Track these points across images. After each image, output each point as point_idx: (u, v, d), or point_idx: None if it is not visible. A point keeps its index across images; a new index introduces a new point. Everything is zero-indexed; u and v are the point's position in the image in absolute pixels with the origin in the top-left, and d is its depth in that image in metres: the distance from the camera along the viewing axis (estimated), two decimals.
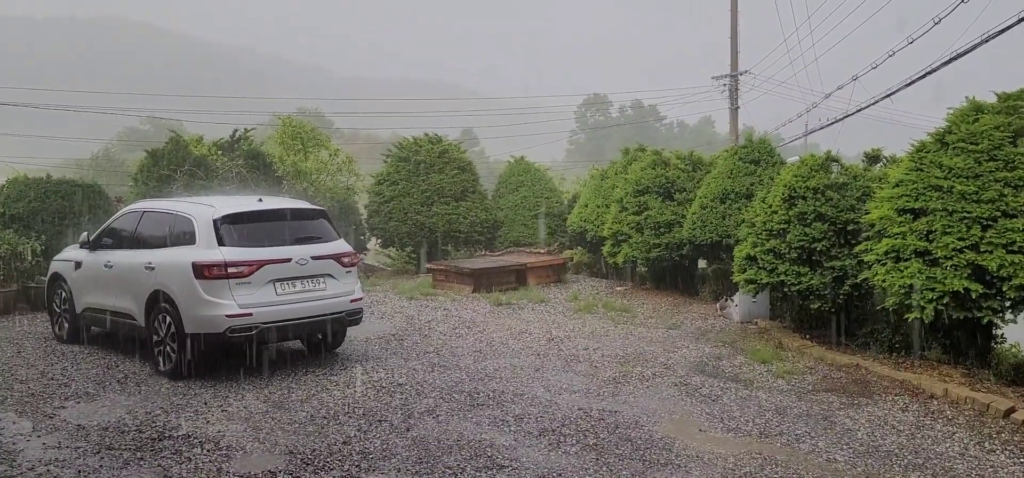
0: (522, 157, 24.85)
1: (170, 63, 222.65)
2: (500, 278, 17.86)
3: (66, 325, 11.82)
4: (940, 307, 9.02)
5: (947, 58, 14.46)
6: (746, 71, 32.27)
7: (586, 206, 20.69)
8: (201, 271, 9.41)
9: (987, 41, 13.28)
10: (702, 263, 17.74)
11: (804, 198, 11.49)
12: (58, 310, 12.03)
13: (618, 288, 18.48)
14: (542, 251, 20.98)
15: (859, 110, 20.64)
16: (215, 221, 9.75)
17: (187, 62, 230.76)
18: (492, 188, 24.82)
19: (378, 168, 23.50)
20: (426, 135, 23.28)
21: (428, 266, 19.38)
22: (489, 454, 7.18)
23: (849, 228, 11.10)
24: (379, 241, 22.70)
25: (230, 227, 9.80)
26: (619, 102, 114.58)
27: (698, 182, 16.81)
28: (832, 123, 22.91)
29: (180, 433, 7.68)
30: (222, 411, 8.39)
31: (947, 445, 7.59)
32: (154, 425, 7.90)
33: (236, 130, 21.28)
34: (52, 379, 9.69)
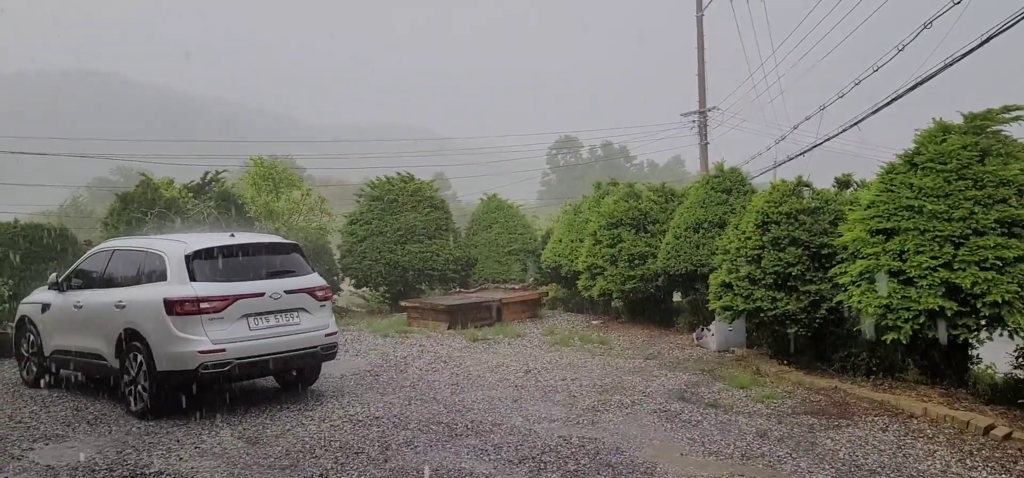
0: (495, 194, 24.85)
1: (140, 113, 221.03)
2: (475, 314, 17.77)
3: (35, 369, 11.57)
4: (916, 326, 9.06)
5: (912, 83, 14.66)
6: (714, 107, 32.56)
7: (560, 241, 20.69)
8: (173, 307, 9.25)
9: (950, 65, 13.48)
10: (677, 296, 17.77)
11: (777, 223, 11.54)
12: (26, 354, 11.78)
13: (594, 321, 18.44)
14: (517, 287, 20.91)
15: (828, 139, 20.84)
16: (187, 257, 9.61)
17: (157, 113, 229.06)
18: (465, 229, 24.77)
19: (351, 209, 23.39)
20: (399, 174, 23.23)
21: (403, 303, 19.24)
22: None
23: (823, 252, 11.15)
24: (352, 281, 22.52)
25: (202, 262, 9.67)
26: (589, 143, 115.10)
27: (671, 213, 16.87)
28: (801, 153, 23.10)
29: (152, 471, 7.50)
30: (195, 448, 8.22)
31: (929, 463, 7.58)
32: (125, 463, 7.72)
33: (207, 172, 21.12)
34: (20, 422, 9.46)
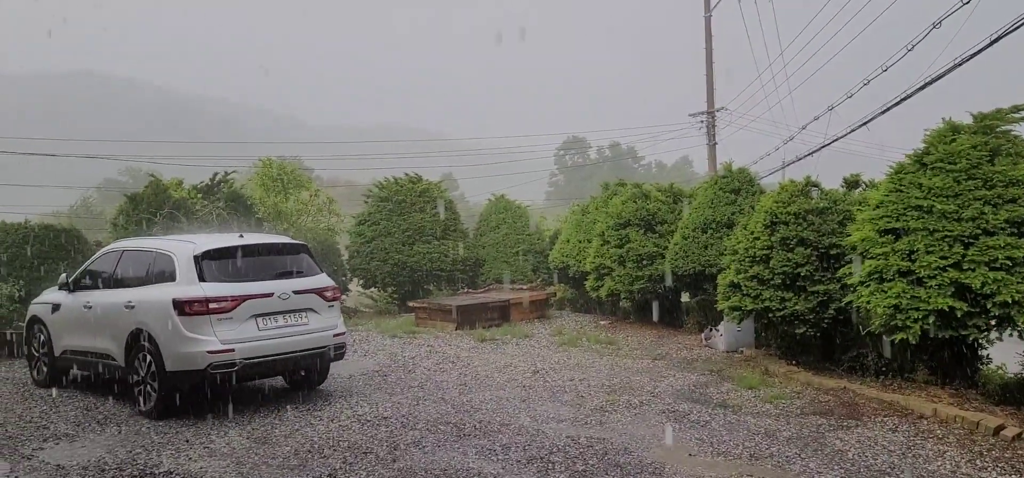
0: (502, 195, 24.86)
1: (140, 113, 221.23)
2: (483, 314, 17.78)
3: (45, 369, 11.61)
4: (925, 326, 9.03)
5: (921, 83, 14.62)
6: (722, 108, 32.48)
7: (568, 241, 20.68)
8: (182, 307, 9.28)
9: (959, 65, 13.44)
10: (685, 297, 17.73)
11: (786, 224, 11.52)
12: (37, 354, 11.82)
13: (602, 322, 18.43)
14: (525, 287, 20.92)
15: (837, 139, 20.79)
16: (196, 257, 9.63)
17: (157, 113, 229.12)
18: (473, 229, 24.79)
19: (359, 210, 23.42)
20: (407, 175, 23.26)
21: (411, 304, 19.27)
22: None
23: (832, 252, 11.13)
24: (361, 282, 22.56)
25: (211, 263, 9.69)
26: (597, 144, 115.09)
27: (679, 213, 16.85)
28: (810, 153, 23.08)
29: (161, 470, 7.52)
30: (205, 448, 8.24)
31: (938, 463, 7.55)
32: (135, 463, 7.74)
33: (216, 173, 21.17)
34: (30, 422, 9.50)
